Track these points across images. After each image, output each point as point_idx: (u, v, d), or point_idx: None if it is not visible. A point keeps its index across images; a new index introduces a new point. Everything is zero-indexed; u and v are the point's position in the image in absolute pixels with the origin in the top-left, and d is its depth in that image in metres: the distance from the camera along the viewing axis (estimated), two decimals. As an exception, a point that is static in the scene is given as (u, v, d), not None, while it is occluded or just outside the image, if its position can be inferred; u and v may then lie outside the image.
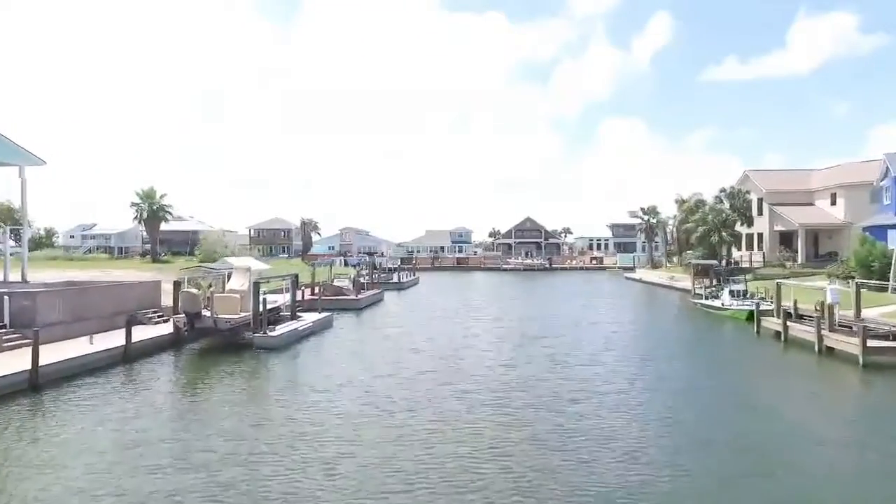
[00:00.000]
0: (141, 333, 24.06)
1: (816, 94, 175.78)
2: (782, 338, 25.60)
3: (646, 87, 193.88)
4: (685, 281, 57.62)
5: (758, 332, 28.03)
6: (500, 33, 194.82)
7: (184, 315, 23.90)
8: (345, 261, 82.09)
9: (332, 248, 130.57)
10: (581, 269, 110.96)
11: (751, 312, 32.66)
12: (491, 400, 16.87)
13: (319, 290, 41.85)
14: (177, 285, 25.57)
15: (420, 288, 63.85)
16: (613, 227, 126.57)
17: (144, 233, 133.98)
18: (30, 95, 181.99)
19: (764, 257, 54.36)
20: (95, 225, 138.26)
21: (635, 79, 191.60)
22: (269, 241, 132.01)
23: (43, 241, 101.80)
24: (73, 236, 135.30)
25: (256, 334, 24.53)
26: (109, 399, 16.78)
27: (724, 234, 51.44)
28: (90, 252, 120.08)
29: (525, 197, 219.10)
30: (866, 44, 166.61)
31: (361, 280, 48.48)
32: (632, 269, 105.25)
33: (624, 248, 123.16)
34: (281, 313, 29.72)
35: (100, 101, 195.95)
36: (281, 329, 26.14)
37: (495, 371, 20.75)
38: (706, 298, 40.32)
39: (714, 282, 46.80)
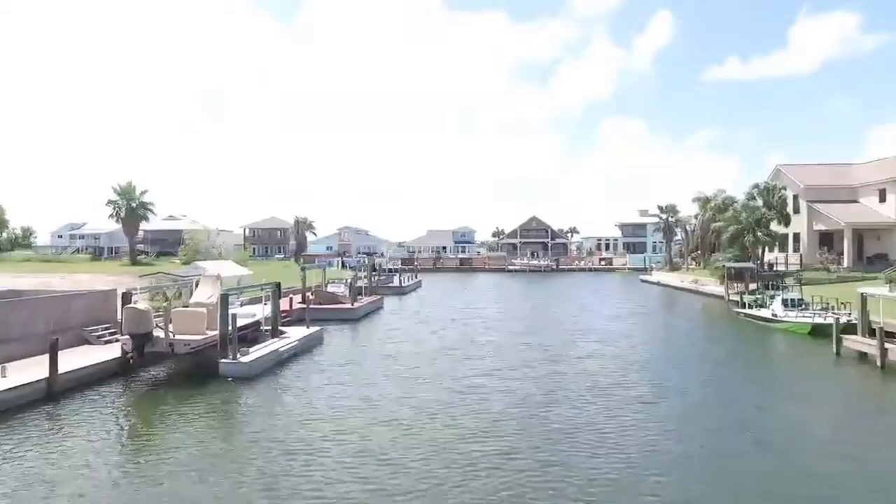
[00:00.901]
0: (80, 358, 19.19)
1: (818, 94, 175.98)
2: (879, 363, 20.65)
3: (647, 87, 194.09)
4: (712, 285, 52.76)
5: (838, 352, 23.11)
6: (502, 33, 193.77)
7: (129, 337, 18.94)
8: (342, 262, 77.19)
9: (331, 248, 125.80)
10: (589, 270, 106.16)
11: (814, 327, 27.92)
12: (527, 457, 12.01)
13: (309, 297, 37.00)
14: (125, 298, 20.62)
15: (423, 292, 58.94)
16: (622, 226, 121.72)
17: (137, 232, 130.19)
18: (25, 94, 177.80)
19: (801, 260, 49.45)
20: (85, 224, 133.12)
21: (636, 79, 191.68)
22: (264, 241, 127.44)
23: (19, 241, 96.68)
24: (60, 236, 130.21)
25: (223, 360, 19.59)
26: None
27: (759, 233, 46.47)
28: (78, 252, 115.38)
29: (526, 196, 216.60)
30: (868, 43, 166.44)
31: (359, 284, 43.69)
32: (645, 270, 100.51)
33: (633, 248, 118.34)
34: (261, 328, 24.86)
35: (97, 100, 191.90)
36: (256, 352, 21.16)
37: (527, 412, 15.86)
38: (749, 307, 35.40)
39: (750, 287, 42.11)
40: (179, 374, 19.90)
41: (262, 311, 25.78)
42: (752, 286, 42.94)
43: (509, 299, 51.67)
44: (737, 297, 42.84)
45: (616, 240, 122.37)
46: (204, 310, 20.94)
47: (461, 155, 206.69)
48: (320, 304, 37.28)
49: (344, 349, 26.09)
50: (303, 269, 38.39)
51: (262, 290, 25.92)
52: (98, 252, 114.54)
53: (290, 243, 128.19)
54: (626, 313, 40.76)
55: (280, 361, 21.83)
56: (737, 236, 48.00)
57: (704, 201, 60.61)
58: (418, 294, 56.70)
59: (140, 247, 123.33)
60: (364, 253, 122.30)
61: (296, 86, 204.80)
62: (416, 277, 67.59)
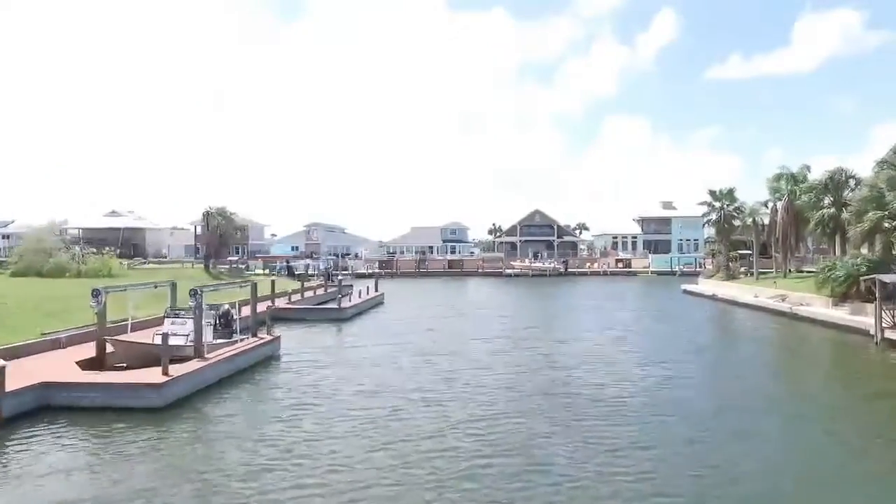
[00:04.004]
0: None
1: (821, 92, 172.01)
2: None
3: (650, 85, 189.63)
4: (818, 305, 33.98)
5: None
6: (505, 32, 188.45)
7: None
8: (288, 267, 58.42)
9: (296, 248, 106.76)
10: (604, 273, 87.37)
11: None
12: None
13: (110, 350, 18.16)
14: None
15: (380, 316, 39.93)
16: (643, 221, 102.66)
17: (73, 228, 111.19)
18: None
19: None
20: (13, 222, 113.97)
21: (640, 76, 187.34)
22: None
23: None
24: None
25: None
26: None
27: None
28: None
29: (529, 195, 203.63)
30: (871, 40, 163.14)
31: (269, 308, 24.83)
32: (672, 274, 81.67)
33: (656, 247, 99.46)
34: None
35: (85, 97, 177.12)
36: None
37: None
38: None
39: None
40: None
41: None
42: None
43: (519, 331, 32.50)
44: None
45: (635, 237, 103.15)
46: None
47: (464, 153, 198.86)
48: (123, 365, 18.70)
49: None
50: (96, 294, 19.39)
51: None
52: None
53: (249, 242, 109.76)
54: (724, 366, 22.03)
55: None
56: (876, 229, 29.10)
57: (790, 179, 41.66)
58: (372, 320, 37.60)
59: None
60: (335, 254, 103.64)
61: (295, 84, 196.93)
62: (376, 290, 48.68)
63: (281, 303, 38.43)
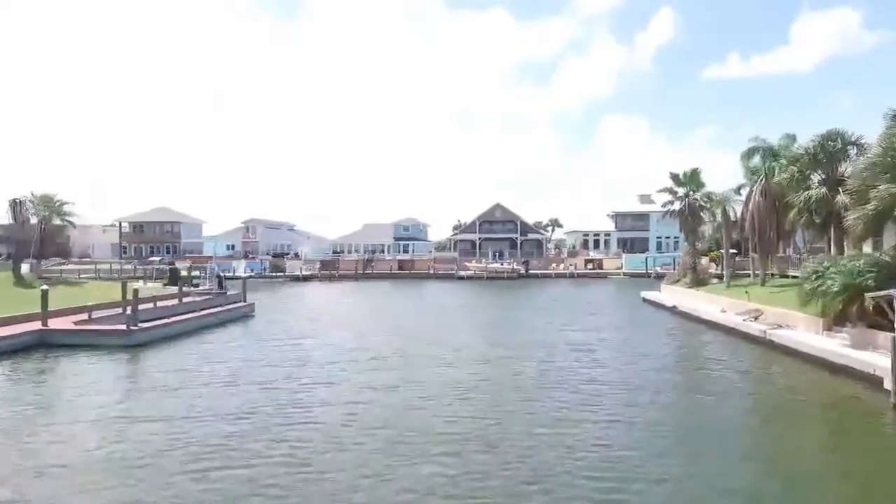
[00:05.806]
0: None
1: (819, 91, 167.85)
2: None
3: (648, 85, 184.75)
4: (803, 329, 23.62)
5: None
6: (504, 30, 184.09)
7: None
8: (171, 270, 48.03)
9: (232, 246, 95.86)
10: (572, 276, 76.84)
11: None
12: None
13: None
14: None
15: (212, 341, 29.38)
16: (617, 216, 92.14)
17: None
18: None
19: None
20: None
21: (638, 76, 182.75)
22: (149, 239, 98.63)
23: None
24: None
25: None
26: None
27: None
28: None
29: (524, 194, 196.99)
30: (869, 40, 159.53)
31: None
32: (647, 276, 71.35)
33: (632, 245, 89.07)
34: None
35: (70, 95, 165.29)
36: None
37: None
38: None
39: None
40: None
41: None
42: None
43: (367, 364, 21.98)
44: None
45: (608, 234, 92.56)
46: None
47: (463, 153, 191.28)
48: None
49: None
50: None
51: None
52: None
53: (182, 241, 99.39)
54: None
55: None
56: (887, 214, 18.63)
57: (767, 153, 31.16)
58: (187, 348, 26.99)
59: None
60: (275, 254, 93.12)
61: (291, 84, 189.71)
62: (244, 300, 38.31)
63: (65, 322, 27.96)
